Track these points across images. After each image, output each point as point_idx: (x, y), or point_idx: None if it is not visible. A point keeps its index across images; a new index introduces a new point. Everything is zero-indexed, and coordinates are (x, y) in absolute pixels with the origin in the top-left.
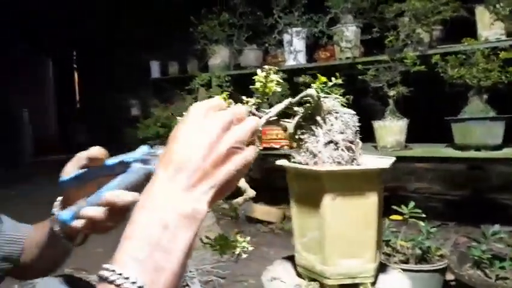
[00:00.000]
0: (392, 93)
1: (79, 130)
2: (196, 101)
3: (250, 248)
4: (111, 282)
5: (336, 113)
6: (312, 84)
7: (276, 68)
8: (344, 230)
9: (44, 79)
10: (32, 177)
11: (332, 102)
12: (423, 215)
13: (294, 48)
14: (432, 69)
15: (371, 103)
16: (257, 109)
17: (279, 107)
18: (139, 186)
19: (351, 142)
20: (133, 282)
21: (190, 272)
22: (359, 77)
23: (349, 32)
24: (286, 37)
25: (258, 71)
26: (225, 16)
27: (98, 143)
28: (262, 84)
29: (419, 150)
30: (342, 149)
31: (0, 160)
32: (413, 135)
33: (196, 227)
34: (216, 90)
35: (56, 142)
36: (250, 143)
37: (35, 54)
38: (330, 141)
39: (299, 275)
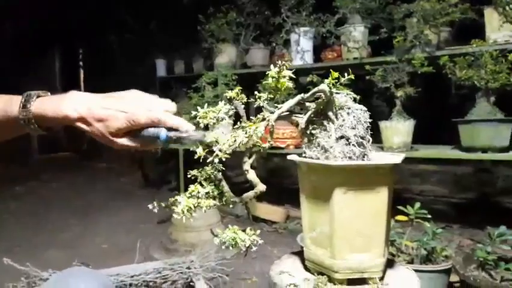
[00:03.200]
0: (399, 93)
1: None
2: (202, 99)
3: (260, 241)
4: None
5: (348, 108)
6: (324, 80)
7: (289, 63)
8: (353, 224)
9: (50, 76)
10: (40, 174)
11: (344, 98)
12: (429, 216)
13: (301, 48)
14: (440, 71)
15: (376, 104)
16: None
17: (291, 102)
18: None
19: (363, 138)
20: None
21: (195, 268)
22: (367, 77)
23: (357, 32)
24: (293, 36)
25: (271, 66)
26: (232, 15)
27: None
28: (275, 79)
29: (425, 151)
30: (353, 144)
31: (11, 157)
32: (419, 137)
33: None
34: (222, 89)
35: (61, 139)
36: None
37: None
38: (342, 137)
39: (307, 269)
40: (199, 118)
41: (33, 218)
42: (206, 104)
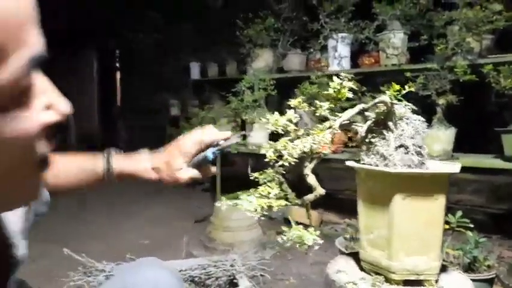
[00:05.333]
0: (441, 101)
1: (120, 128)
2: (242, 103)
3: (320, 241)
4: None
5: (407, 119)
6: (386, 91)
7: (349, 75)
8: (411, 228)
9: (87, 77)
10: None
11: (403, 109)
12: (471, 225)
13: (339, 54)
14: (482, 79)
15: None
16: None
17: (351, 112)
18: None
19: (420, 147)
20: None
21: (237, 266)
22: (406, 85)
23: (396, 38)
24: (331, 42)
25: (334, 78)
26: (270, 21)
27: (140, 141)
28: (336, 90)
29: (466, 160)
30: (412, 153)
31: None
32: (459, 145)
33: None
34: (260, 93)
35: (98, 140)
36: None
37: (81, 54)
38: (401, 145)
39: (362, 269)
40: (271, 125)
41: (69, 213)
42: (247, 109)
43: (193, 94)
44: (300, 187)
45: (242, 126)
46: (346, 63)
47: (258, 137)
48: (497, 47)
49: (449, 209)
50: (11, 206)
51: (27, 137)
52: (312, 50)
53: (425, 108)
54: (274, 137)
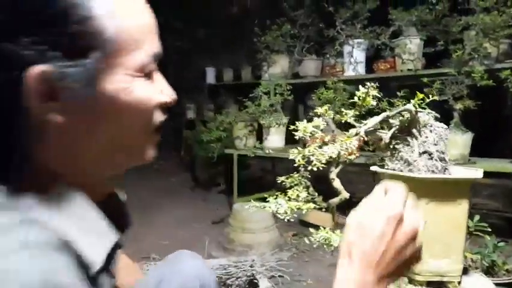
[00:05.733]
0: (458, 106)
1: None
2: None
3: None
4: None
5: (431, 126)
6: (411, 100)
7: (374, 84)
8: (435, 232)
9: None
10: None
11: (427, 116)
12: (489, 229)
13: (355, 59)
14: (499, 84)
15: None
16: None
17: (376, 119)
18: None
19: (443, 153)
20: None
21: (257, 267)
22: (425, 89)
23: (412, 44)
24: (346, 48)
25: (360, 87)
26: (286, 27)
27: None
28: (362, 98)
29: (483, 164)
30: (435, 159)
31: None
32: (476, 149)
33: None
34: (276, 98)
35: None
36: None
37: None
38: (425, 152)
39: None
40: (300, 132)
41: None
42: (263, 113)
43: (208, 98)
44: (319, 189)
45: (259, 130)
46: (361, 69)
47: (274, 141)
48: None
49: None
50: (132, 162)
51: (150, 103)
52: (327, 55)
53: (442, 113)
54: (289, 141)
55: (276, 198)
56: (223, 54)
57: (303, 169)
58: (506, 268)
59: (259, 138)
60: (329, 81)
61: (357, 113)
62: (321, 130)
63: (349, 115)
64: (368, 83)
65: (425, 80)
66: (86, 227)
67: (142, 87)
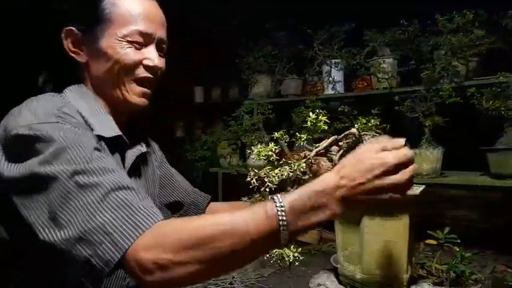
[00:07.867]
0: (427, 123)
1: None
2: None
3: (301, 258)
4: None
5: None
6: (356, 125)
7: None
8: (380, 245)
9: None
10: None
11: (372, 138)
12: (458, 241)
13: (333, 79)
14: (468, 100)
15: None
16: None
17: (326, 142)
18: None
19: None
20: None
21: (237, 284)
22: (396, 107)
23: (386, 64)
24: (325, 68)
25: (310, 113)
26: (268, 48)
27: None
28: (312, 123)
29: (454, 177)
30: None
31: None
32: (449, 163)
33: (326, 217)
34: (258, 118)
35: None
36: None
37: None
38: None
39: (341, 283)
40: (255, 155)
41: None
42: (245, 132)
43: (196, 117)
44: None
45: (242, 148)
46: (340, 87)
47: (257, 158)
48: (486, 67)
49: (445, 225)
50: (126, 99)
51: (128, 57)
52: (307, 75)
53: (419, 129)
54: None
55: None
56: (212, 74)
57: (262, 189)
58: (474, 278)
59: (243, 156)
60: (307, 100)
61: (310, 136)
62: (278, 154)
63: (302, 139)
64: (318, 110)
65: (396, 98)
66: (96, 116)
67: (124, 49)
